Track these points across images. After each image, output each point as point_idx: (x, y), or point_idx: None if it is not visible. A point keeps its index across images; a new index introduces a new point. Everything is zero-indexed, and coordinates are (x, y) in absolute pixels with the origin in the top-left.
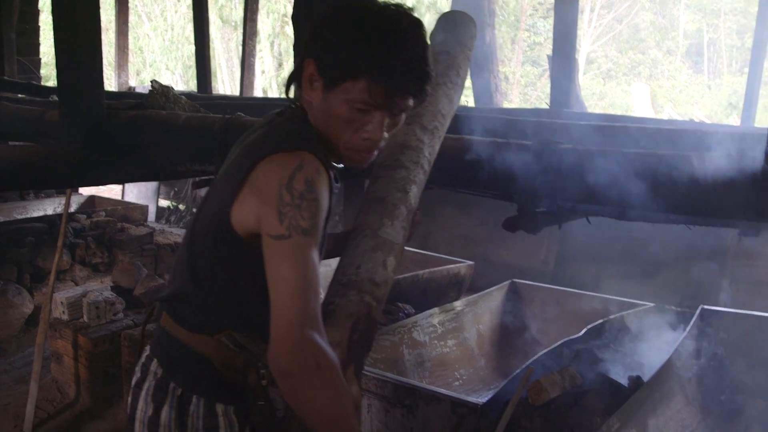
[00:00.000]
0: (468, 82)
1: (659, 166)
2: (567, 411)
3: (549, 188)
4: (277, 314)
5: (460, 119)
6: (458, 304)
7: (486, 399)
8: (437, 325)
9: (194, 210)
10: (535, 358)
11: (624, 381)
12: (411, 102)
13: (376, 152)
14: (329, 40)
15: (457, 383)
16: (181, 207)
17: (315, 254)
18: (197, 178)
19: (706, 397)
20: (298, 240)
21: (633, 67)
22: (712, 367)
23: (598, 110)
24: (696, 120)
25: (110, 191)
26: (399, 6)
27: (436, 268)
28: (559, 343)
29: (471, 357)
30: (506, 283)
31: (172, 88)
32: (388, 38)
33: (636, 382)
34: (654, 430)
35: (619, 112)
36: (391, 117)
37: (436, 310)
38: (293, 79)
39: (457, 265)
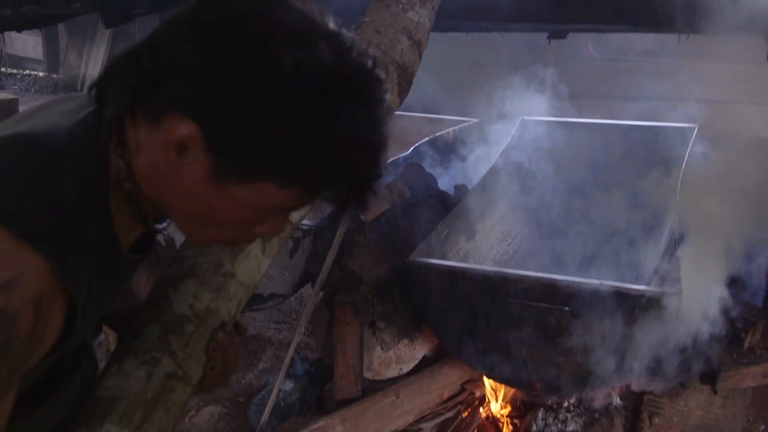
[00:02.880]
0: None
1: None
2: (398, 222)
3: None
4: None
5: None
6: None
7: (319, 221)
8: None
9: None
10: None
11: (451, 191)
12: None
13: None
14: (233, 103)
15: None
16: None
17: None
18: None
19: (529, 201)
20: None
21: None
22: (534, 173)
23: None
24: None
25: None
26: (344, 39)
27: None
28: (388, 161)
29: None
30: None
31: None
32: (340, 120)
33: (462, 190)
34: (481, 235)
35: None
36: None
37: None
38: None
39: None
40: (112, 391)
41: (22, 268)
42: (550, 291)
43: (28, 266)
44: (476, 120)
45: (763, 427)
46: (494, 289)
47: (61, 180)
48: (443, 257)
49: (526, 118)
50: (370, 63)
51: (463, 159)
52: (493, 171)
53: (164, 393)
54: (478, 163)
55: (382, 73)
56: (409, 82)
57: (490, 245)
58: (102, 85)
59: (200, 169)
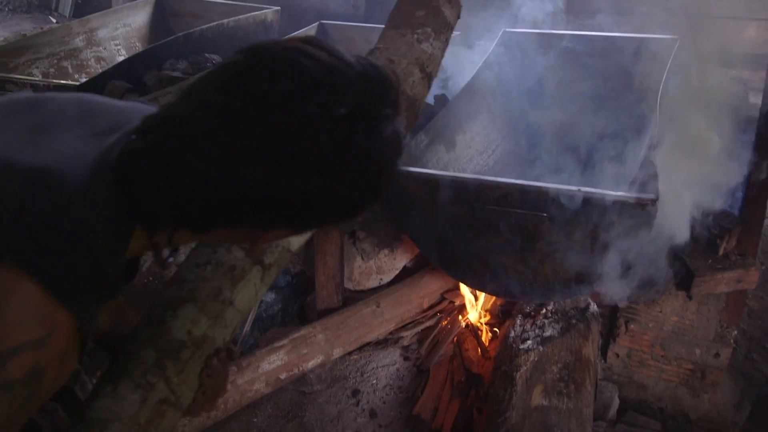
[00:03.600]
0: None
1: None
2: None
3: None
4: None
5: None
6: None
7: None
8: None
9: None
10: None
11: (431, 101)
12: None
13: None
14: (309, 208)
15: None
16: None
17: None
18: None
19: (510, 113)
20: None
21: None
22: (515, 85)
23: None
24: None
25: None
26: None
27: (241, 16)
28: None
29: None
30: (315, 24)
31: None
32: (375, 180)
33: (442, 100)
34: (462, 146)
35: None
36: None
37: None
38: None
39: (263, 11)
40: (105, 412)
41: (54, 325)
42: (527, 197)
43: (58, 323)
44: (458, 32)
45: (735, 332)
46: (473, 196)
47: (90, 232)
48: (423, 167)
49: (508, 30)
50: (393, 135)
51: (443, 70)
52: (474, 82)
53: (156, 418)
54: (459, 74)
55: (402, 141)
56: (416, 115)
57: (470, 156)
58: (136, 180)
59: (239, 234)
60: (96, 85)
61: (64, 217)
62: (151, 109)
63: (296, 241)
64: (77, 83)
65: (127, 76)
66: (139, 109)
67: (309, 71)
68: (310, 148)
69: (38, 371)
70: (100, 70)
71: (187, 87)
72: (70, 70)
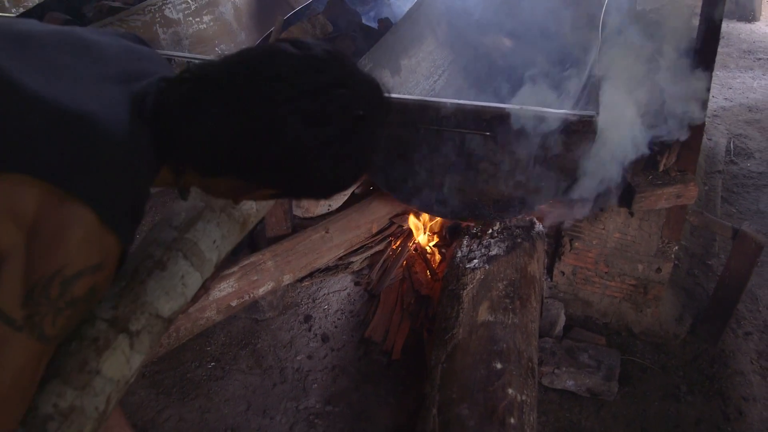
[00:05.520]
0: None
1: None
2: None
3: None
4: None
5: None
6: None
7: None
8: (190, 2)
9: None
10: (290, 13)
11: (374, 25)
12: None
13: None
14: (265, 172)
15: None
16: None
17: (41, 364)
18: None
19: (456, 39)
20: (28, 343)
21: None
22: (462, 8)
23: None
24: None
25: None
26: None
27: None
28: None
29: (230, 32)
30: None
31: None
32: (362, 169)
33: (386, 24)
34: (407, 71)
35: None
36: None
37: None
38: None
39: None
40: None
41: (109, 251)
42: (471, 117)
43: (112, 249)
44: None
45: (676, 247)
46: (417, 118)
47: (136, 171)
48: None
49: None
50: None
51: None
52: (419, 6)
53: None
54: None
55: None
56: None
57: (416, 81)
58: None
59: (238, 185)
60: (34, 16)
61: (116, 158)
62: (155, 55)
63: (167, 308)
64: (12, 15)
65: (66, 7)
66: (144, 55)
67: (333, 74)
68: (328, 137)
69: (95, 290)
70: (37, 1)
71: (225, 58)
72: (7, 4)
